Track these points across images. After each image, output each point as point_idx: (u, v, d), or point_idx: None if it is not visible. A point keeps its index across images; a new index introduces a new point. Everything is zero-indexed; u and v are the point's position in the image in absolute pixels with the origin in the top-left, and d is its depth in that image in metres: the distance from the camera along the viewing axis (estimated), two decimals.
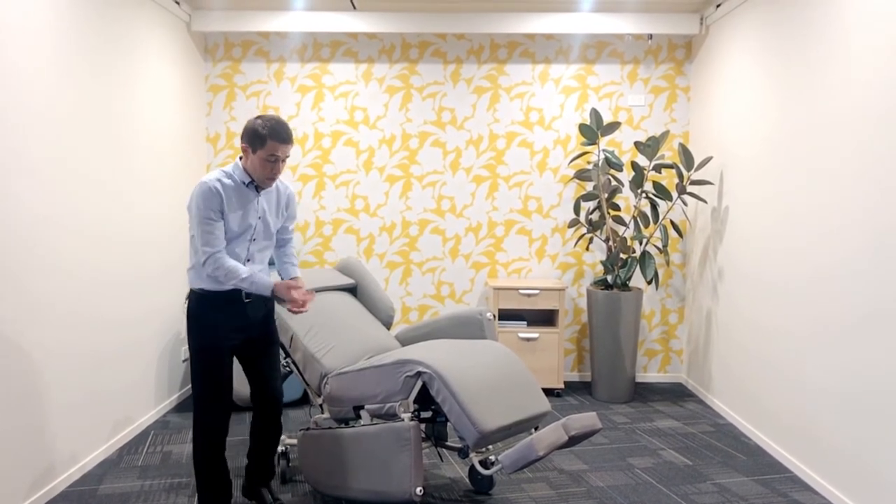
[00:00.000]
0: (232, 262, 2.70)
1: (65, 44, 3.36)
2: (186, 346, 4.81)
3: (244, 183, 2.78)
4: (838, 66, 3.24)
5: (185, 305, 2.85)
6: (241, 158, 2.81)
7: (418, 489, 2.82)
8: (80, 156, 3.50)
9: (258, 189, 2.84)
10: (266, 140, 2.69)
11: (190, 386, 4.91)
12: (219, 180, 2.72)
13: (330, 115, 5.18)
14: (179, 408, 4.59)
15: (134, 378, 4.08)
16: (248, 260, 2.87)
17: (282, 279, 3.10)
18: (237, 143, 5.17)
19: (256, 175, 2.76)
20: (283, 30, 4.88)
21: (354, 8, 4.89)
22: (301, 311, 2.79)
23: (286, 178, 5.19)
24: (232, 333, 2.84)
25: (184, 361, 4.78)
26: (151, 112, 4.29)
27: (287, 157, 2.78)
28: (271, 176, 2.77)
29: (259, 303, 2.91)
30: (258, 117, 2.74)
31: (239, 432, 4.14)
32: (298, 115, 5.17)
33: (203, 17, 4.86)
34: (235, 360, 3.41)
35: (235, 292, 2.82)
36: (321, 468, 3.15)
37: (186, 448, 3.88)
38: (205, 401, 2.84)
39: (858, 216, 3.05)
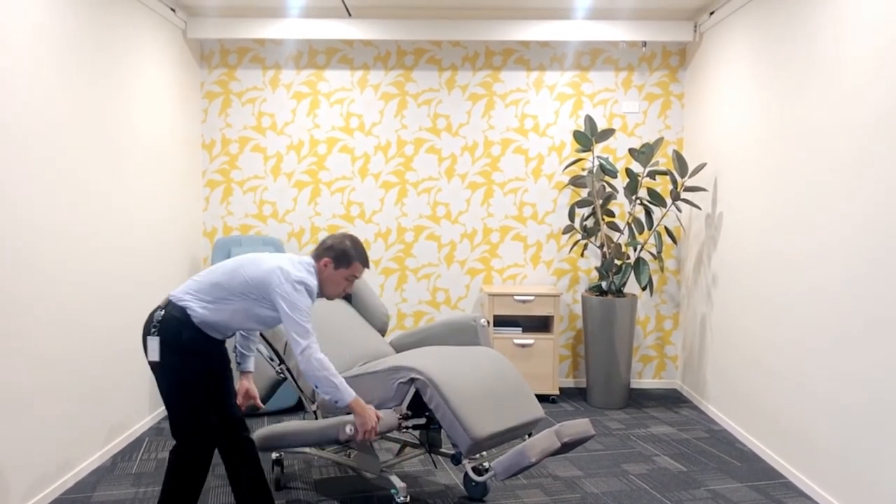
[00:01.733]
0: (323, 355, 2.71)
1: (60, 50, 3.37)
2: None
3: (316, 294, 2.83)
4: (832, 72, 3.26)
5: (157, 328, 2.68)
6: (314, 262, 2.82)
7: (347, 427, 2.85)
8: (76, 162, 3.50)
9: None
10: (352, 261, 2.82)
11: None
12: (315, 287, 2.77)
13: (325, 122, 5.19)
14: None
15: (128, 384, 4.07)
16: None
17: (238, 365, 3.08)
18: (233, 149, 5.18)
19: (329, 289, 2.84)
20: (279, 37, 4.90)
21: (350, 15, 4.91)
22: (365, 437, 2.81)
23: (282, 184, 5.20)
24: (211, 362, 2.79)
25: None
26: (147, 119, 4.29)
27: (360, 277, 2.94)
28: (341, 293, 2.87)
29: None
30: (344, 236, 2.85)
31: None
32: (294, 122, 5.18)
33: (199, 24, 4.87)
34: None
35: (218, 339, 2.79)
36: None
37: None
38: (196, 429, 2.71)
39: (857, 221, 3.07)
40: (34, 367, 3.16)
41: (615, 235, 5.11)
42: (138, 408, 4.20)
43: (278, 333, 3.46)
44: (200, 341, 2.73)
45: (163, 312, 2.70)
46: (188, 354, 2.70)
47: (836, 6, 3.21)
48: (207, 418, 2.74)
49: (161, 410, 4.51)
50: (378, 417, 2.82)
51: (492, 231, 5.27)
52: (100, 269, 3.74)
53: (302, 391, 3.33)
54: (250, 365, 3.07)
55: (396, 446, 3.99)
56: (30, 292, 3.12)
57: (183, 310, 2.69)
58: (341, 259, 2.81)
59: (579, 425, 2.89)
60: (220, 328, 2.74)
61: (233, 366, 3.00)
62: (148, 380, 4.32)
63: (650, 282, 4.73)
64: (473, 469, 3.16)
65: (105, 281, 3.79)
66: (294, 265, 2.75)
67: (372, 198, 5.23)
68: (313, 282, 2.75)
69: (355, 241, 2.86)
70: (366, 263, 2.88)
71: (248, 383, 3.05)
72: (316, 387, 2.73)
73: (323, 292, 2.85)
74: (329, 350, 3.33)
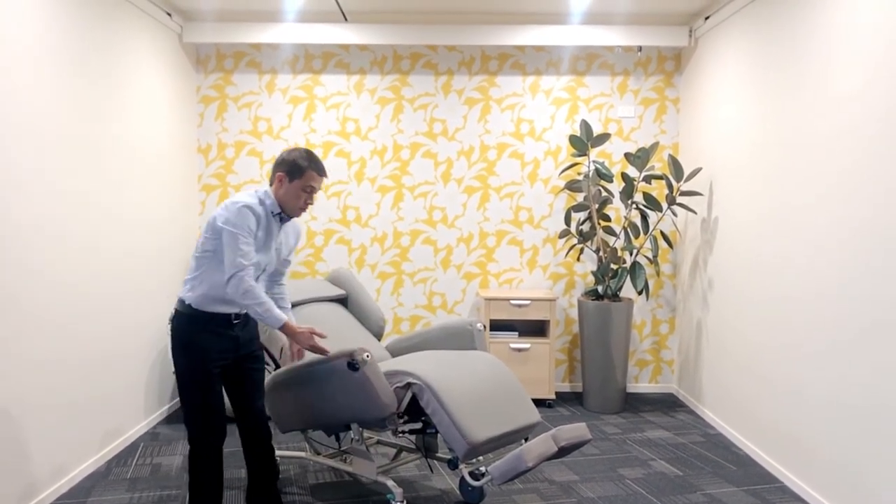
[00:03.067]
0: (255, 283, 2.68)
1: (57, 54, 3.37)
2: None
3: (273, 213, 2.82)
4: (827, 76, 3.27)
5: (170, 326, 2.82)
6: (268, 187, 2.84)
7: (365, 354, 2.85)
8: (71, 165, 3.50)
9: (282, 220, 2.87)
10: (305, 170, 2.78)
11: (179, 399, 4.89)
12: (255, 205, 2.74)
13: (321, 127, 5.19)
14: (169, 419, 4.57)
15: (123, 389, 4.06)
16: None
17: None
18: (229, 154, 5.17)
19: (289, 205, 2.81)
20: (275, 41, 4.90)
21: (346, 20, 4.92)
22: (296, 357, 2.79)
23: None
24: (221, 355, 2.80)
25: (174, 373, 4.76)
26: (143, 123, 4.29)
27: (319, 189, 2.86)
28: (304, 206, 2.83)
29: (244, 324, 2.89)
30: (295, 149, 2.83)
31: (230, 444, 4.12)
32: (290, 127, 5.18)
33: (195, 29, 4.87)
34: None
35: (226, 316, 2.80)
36: (287, 409, 3.21)
37: (176, 460, 3.87)
38: (200, 423, 2.78)
39: (853, 225, 3.08)
40: (29, 371, 3.15)
41: (611, 240, 5.12)
42: (134, 413, 4.19)
43: (274, 337, 3.45)
44: (209, 329, 2.75)
45: (173, 311, 2.81)
46: (192, 351, 2.74)
47: (832, 10, 3.23)
48: (206, 419, 2.77)
49: (156, 415, 4.49)
50: (313, 333, 2.77)
51: (488, 235, 5.27)
52: (95, 273, 3.72)
53: None
54: (290, 317, 3.05)
55: (393, 451, 3.98)
56: (24, 296, 3.11)
57: (182, 301, 2.78)
58: (294, 171, 2.78)
59: (576, 430, 2.90)
60: (217, 296, 2.75)
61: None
62: (143, 385, 4.31)
63: (646, 286, 4.74)
64: (470, 474, 3.15)
65: (100, 285, 3.78)
66: (239, 195, 2.77)
67: (368, 202, 5.23)
68: (253, 200, 2.73)
69: (308, 152, 2.82)
70: (321, 172, 2.81)
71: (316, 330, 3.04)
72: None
73: (284, 210, 2.82)
74: None
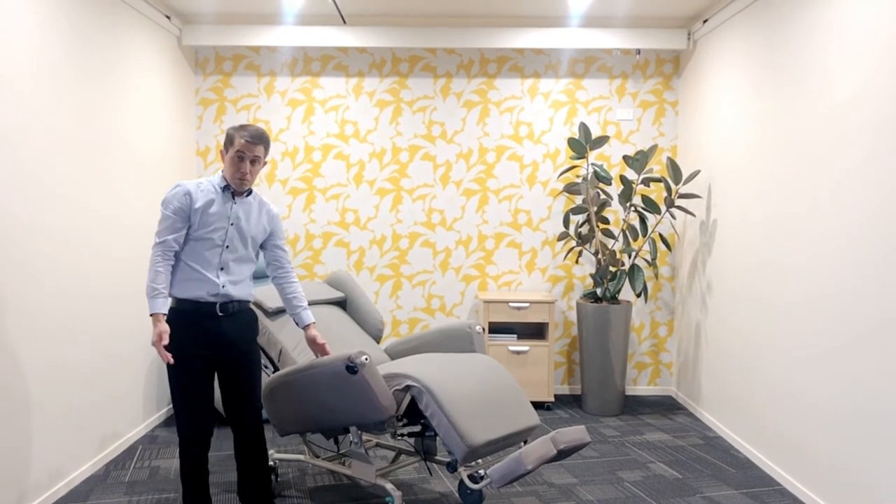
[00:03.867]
0: (162, 264, 2.75)
1: (54, 57, 3.37)
2: None
3: (221, 188, 2.86)
4: (825, 79, 3.28)
5: None
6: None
7: (364, 357, 2.86)
8: (69, 168, 3.49)
9: (234, 197, 2.88)
10: (235, 138, 2.82)
11: None
12: (195, 183, 2.83)
13: (320, 129, 5.19)
14: (167, 422, 4.56)
15: (121, 392, 4.05)
16: (222, 268, 2.84)
17: (297, 325, 3.13)
18: None
19: (229, 176, 2.85)
20: (274, 44, 4.90)
21: (344, 22, 4.92)
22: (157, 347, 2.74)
23: (276, 191, 5.20)
24: (204, 350, 2.80)
25: None
26: (142, 125, 4.29)
27: (257, 158, 2.84)
28: (241, 175, 2.82)
29: (236, 319, 2.88)
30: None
31: (228, 447, 4.11)
32: (289, 129, 5.18)
33: (194, 31, 4.87)
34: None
35: (209, 306, 2.81)
36: (287, 412, 3.21)
37: (174, 463, 3.86)
38: (181, 419, 2.85)
39: (851, 228, 3.08)
40: (27, 374, 3.14)
41: (610, 242, 5.12)
42: (132, 416, 4.18)
43: (272, 341, 3.45)
44: (190, 321, 2.77)
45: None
46: (172, 344, 2.75)
47: (830, 13, 3.23)
48: (185, 413, 2.83)
49: (154, 418, 4.48)
50: (160, 338, 2.70)
51: (487, 238, 5.27)
52: (93, 275, 3.72)
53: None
54: (304, 317, 3.08)
55: (392, 454, 3.98)
56: (23, 299, 3.11)
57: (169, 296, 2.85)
58: (227, 142, 2.86)
59: (575, 432, 2.89)
60: (186, 276, 2.79)
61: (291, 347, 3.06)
62: (142, 388, 4.30)
63: (645, 288, 4.74)
64: (469, 476, 3.15)
65: (98, 288, 3.77)
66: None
67: (367, 204, 5.23)
68: (188, 181, 2.83)
69: (244, 124, 2.87)
70: (250, 138, 2.79)
71: (312, 332, 3.06)
72: None
73: (230, 184, 2.85)
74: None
